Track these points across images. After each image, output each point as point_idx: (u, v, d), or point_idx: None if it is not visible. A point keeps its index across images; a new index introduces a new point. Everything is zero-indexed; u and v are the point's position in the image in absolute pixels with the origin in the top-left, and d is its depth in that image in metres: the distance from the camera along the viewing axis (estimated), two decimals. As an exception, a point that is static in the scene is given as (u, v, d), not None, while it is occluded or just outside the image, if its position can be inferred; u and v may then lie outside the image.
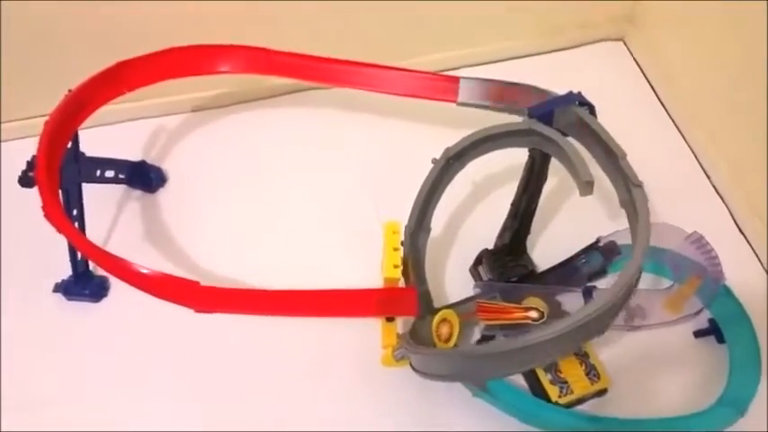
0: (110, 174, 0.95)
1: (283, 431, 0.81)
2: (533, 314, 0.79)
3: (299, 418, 0.82)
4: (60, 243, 0.81)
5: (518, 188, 0.84)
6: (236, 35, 0.92)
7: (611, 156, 0.69)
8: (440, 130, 1.06)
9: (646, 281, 0.92)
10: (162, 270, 0.71)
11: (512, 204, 0.86)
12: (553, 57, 1.23)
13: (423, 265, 0.84)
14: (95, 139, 0.91)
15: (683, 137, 1.11)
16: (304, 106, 1.13)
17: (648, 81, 1.19)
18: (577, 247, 0.93)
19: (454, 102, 0.88)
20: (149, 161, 1.03)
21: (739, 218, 1.00)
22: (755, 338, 0.84)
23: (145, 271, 0.71)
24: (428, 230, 0.84)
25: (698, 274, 0.86)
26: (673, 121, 1.13)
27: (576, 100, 0.74)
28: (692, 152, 1.09)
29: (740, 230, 0.99)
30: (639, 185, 0.66)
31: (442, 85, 0.88)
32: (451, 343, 0.80)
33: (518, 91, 0.83)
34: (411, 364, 0.75)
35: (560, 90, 0.79)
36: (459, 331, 0.80)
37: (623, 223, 0.88)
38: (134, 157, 1.03)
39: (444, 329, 0.80)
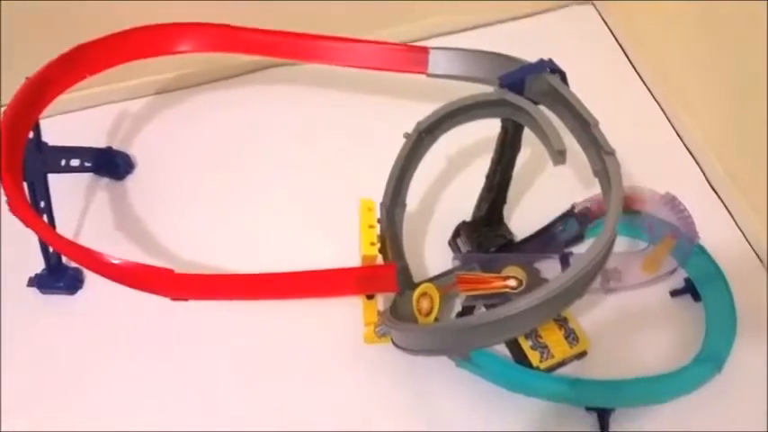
0: (75, 163, 0.93)
1: (267, 414, 0.81)
2: (512, 282, 0.80)
3: (283, 401, 0.82)
4: (32, 236, 0.79)
5: (492, 159, 0.83)
6: (196, 13, 0.90)
7: (583, 124, 0.68)
8: (411, 103, 1.05)
9: (621, 243, 0.93)
10: (135, 260, 0.70)
11: (486, 176, 0.86)
12: (522, 23, 1.22)
13: (400, 240, 0.84)
14: (58, 128, 0.89)
15: (656, 100, 1.11)
16: (270, 84, 1.11)
17: (620, 44, 1.19)
18: (553, 215, 0.93)
19: (425, 73, 0.86)
20: (115, 147, 1.01)
21: (713, 179, 1.01)
22: (730, 296, 0.85)
23: (116, 261, 0.70)
24: (404, 205, 0.84)
25: (672, 234, 0.86)
26: (645, 84, 1.13)
27: (548, 67, 0.73)
28: (665, 114, 1.09)
29: (714, 191, 1.00)
30: (611, 153, 0.66)
31: (411, 57, 0.86)
32: (432, 317, 0.79)
33: (488, 60, 0.82)
34: (393, 341, 0.75)
35: (530, 57, 0.78)
36: (439, 304, 0.80)
37: (597, 189, 0.90)
38: (99, 144, 1.01)
39: (425, 303, 0.80)
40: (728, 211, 0.98)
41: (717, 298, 0.87)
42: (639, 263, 0.87)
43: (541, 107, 0.72)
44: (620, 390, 0.80)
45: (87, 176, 0.99)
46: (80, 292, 0.90)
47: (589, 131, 0.67)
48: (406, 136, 0.80)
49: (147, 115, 1.07)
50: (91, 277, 0.90)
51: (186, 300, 0.71)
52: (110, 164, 0.98)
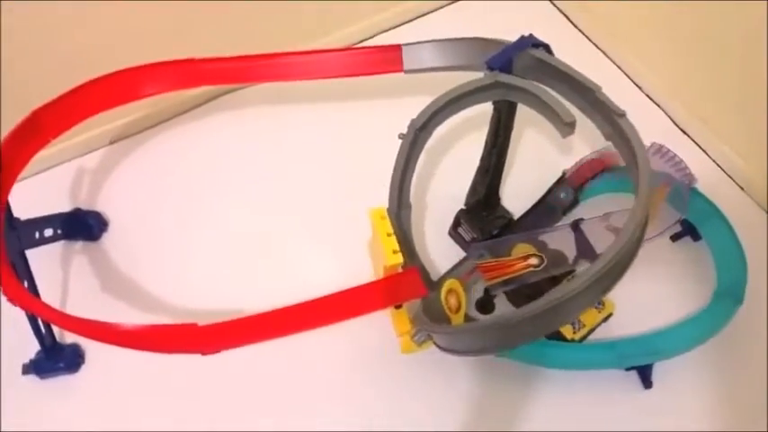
0: (48, 233, 0.86)
1: None
2: (534, 261, 0.79)
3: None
4: (16, 320, 0.73)
5: (486, 143, 0.83)
6: (131, 57, 0.83)
7: (584, 91, 0.68)
8: (385, 102, 1.04)
9: (616, 201, 0.94)
10: (136, 320, 0.65)
11: (481, 159, 0.85)
12: (455, 7, 1.22)
13: (412, 242, 0.82)
14: (17, 198, 0.80)
15: (611, 59, 1.13)
16: (230, 110, 1.07)
17: (563, 12, 1.21)
18: (543, 185, 0.94)
19: (400, 71, 0.84)
20: (83, 207, 0.94)
21: (681, 122, 1.04)
22: (731, 229, 0.88)
23: (135, 328, 0.65)
24: (408, 207, 0.82)
25: (665, 183, 0.88)
26: (596, 45, 1.15)
27: (531, 42, 0.73)
28: (622, 71, 1.11)
29: (684, 133, 1.03)
30: (623, 114, 0.66)
31: (383, 57, 0.84)
32: (462, 312, 0.78)
33: (465, 46, 0.81)
34: (438, 345, 0.73)
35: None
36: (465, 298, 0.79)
37: (579, 153, 0.90)
38: (63, 207, 0.93)
39: (452, 300, 0.79)
40: (702, 149, 1.02)
41: (718, 233, 0.89)
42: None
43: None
44: (656, 343, 0.81)
45: (59, 243, 0.92)
46: (82, 368, 0.83)
47: (593, 97, 0.67)
48: (402, 137, 0.78)
49: (108, 167, 1.01)
50: (91, 350, 0.84)
51: (219, 351, 0.67)
52: (82, 226, 0.91)
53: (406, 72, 0.84)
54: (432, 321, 0.75)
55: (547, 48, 0.74)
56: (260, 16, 1.02)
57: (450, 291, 0.78)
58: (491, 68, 0.73)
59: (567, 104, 0.70)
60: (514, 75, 0.73)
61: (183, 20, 0.96)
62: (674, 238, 0.93)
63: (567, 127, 0.66)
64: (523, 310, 0.61)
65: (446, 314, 0.78)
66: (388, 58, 0.84)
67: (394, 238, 0.74)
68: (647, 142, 0.88)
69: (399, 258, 0.72)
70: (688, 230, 0.92)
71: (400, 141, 0.79)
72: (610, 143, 0.71)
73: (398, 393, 0.81)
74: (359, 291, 0.73)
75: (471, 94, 0.73)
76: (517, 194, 0.96)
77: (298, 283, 0.86)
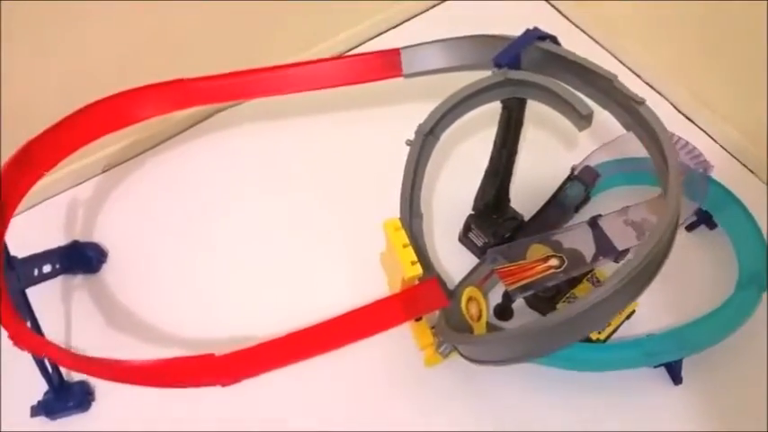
0: (47, 269, 0.83)
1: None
2: (554, 262, 0.77)
3: None
4: (19, 361, 0.69)
5: (495, 144, 0.80)
6: (112, 80, 0.80)
7: (599, 81, 0.66)
8: (382, 110, 1.01)
9: (628, 194, 0.92)
10: (146, 354, 0.62)
11: (490, 161, 0.83)
12: (443, 7, 1.20)
13: (426, 251, 0.79)
14: (10, 234, 0.77)
15: (607, 50, 1.12)
16: (224, 129, 1.04)
17: (554, 6, 1.19)
18: (551, 183, 0.92)
19: (400, 76, 0.82)
20: (80, 240, 0.90)
21: (686, 110, 1.02)
22: (750, 215, 0.86)
23: (150, 364, 0.62)
24: (420, 215, 0.79)
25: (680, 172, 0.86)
26: (590, 36, 1.14)
27: (537, 35, 0.71)
28: (619, 61, 1.10)
29: (690, 120, 1.02)
30: (642, 102, 0.64)
31: (381, 63, 0.81)
32: (483, 320, 0.76)
33: (465, 45, 0.79)
34: (464, 356, 0.70)
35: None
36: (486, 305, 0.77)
37: (584, 149, 0.88)
38: (59, 240, 0.90)
39: (473, 308, 0.76)
40: (710, 136, 1.00)
41: (736, 221, 0.87)
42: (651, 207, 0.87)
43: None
44: (684, 338, 0.79)
45: (58, 278, 0.88)
46: (93, 406, 0.79)
47: (609, 87, 0.65)
48: (409, 143, 0.75)
49: (102, 196, 0.97)
50: (101, 386, 0.80)
51: (240, 381, 0.64)
52: (81, 259, 0.88)
53: (406, 77, 0.81)
54: (449, 330, 0.73)
55: (554, 40, 0.71)
56: (242, 32, 1.00)
57: (470, 299, 0.76)
58: (498, 66, 0.70)
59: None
60: (523, 70, 0.71)
61: (166, 37, 0.93)
62: (690, 228, 0.91)
63: (583, 120, 0.64)
64: (559, 314, 0.58)
65: (467, 323, 0.75)
66: (387, 63, 0.81)
67: (410, 249, 0.71)
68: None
69: (418, 269, 0.70)
70: (703, 219, 0.90)
71: (407, 148, 0.77)
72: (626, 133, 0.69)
73: (426, 403, 0.79)
74: (379, 306, 0.71)
75: (480, 93, 0.71)
76: (524, 195, 0.93)
77: (309, 301, 0.84)
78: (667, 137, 0.61)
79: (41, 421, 0.78)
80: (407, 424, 0.77)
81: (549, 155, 0.98)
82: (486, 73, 0.72)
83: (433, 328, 0.77)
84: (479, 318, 0.76)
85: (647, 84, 1.06)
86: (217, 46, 0.97)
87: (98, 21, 0.85)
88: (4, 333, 0.62)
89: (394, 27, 1.17)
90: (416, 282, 0.73)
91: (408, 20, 1.18)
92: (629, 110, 0.65)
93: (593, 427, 0.77)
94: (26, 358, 0.72)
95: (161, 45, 0.92)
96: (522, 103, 0.73)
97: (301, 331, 0.67)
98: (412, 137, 0.76)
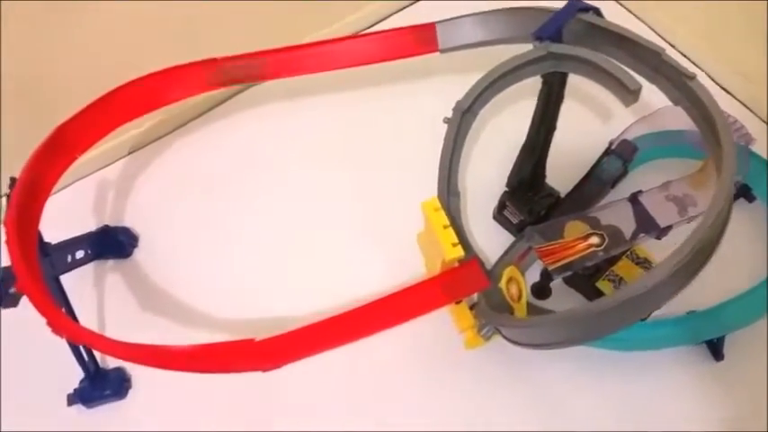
0: (80, 254, 0.82)
1: None
2: (595, 240, 0.75)
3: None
4: (53, 348, 0.68)
5: (533, 120, 0.78)
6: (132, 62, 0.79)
7: (646, 54, 0.64)
8: (411, 87, 0.99)
9: (666, 168, 0.90)
10: (184, 339, 0.61)
11: (528, 138, 0.81)
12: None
13: (464, 231, 0.78)
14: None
15: (637, 16, 1.08)
16: (249, 108, 1.02)
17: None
18: (587, 158, 0.89)
19: (436, 51, 0.79)
20: (111, 224, 0.89)
21: (720, 79, 0.99)
22: (792, 187, 0.83)
23: (189, 349, 0.61)
24: (457, 194, 0.78)
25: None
26: (621, 4, 1.10)
27: (579, 7, 0.68)
28: (650, 28, 1.06)
29: (726, 90, 0.99)
30: (693, 76, 0.61)
31: (416, 38, 0.79)
32: (524, 300, 0.74)
33: (503, 18, 0.76)
34: (507, 338, 0.69)
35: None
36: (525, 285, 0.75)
37: (621, 122, 0.86)
38: (89, 225, 0.89)
39: (513, 289, 0.74)
40: (747, 107, 0.97)
41: (778, 192, 0.85)
42: (697, 181, 0.84)
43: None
44: (729, 314, 0.78)
45: (90, 264, 0.87)
46: (130, 394, 0.79)
47: (657, 60, 0.63)
48: (447, 121, 0.73)
49: (130, 178, 0.96)
50: (137, 373, 0.80)
51: (281, 366, 0.63)
52: (113, 243, 0.87)
53: (442, 51, 0.79)
54: (492, 312, 0.71)
55: (597, 12, 0.69)
56: (256, 15, 0.97)
57: (510, 279, 0.74)
58: (539, 39, 0.68)
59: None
60: (565, 44, 0.68)
61: (185, 21, 0.91)
62: (729, 201, 0.89)
63: (631, 95, 0.62)
64: (609, 299, 0.57)
65: (508, 304, 0.74)
66: (422, 38, 0.79)
67: (451, 229, 0.70)
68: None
69: (460, 251, 0.68)
70: (742, 192, 0.88)
71: (441, 124, 0.75)
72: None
73: (467, 388, 0.78)
74: (419, 288, 0.70)
75: (521, 68, 0.69)
76: (560, 170, 0.91)
77: (344, 284, 0.83)
78: (720, 113, 0.59)
79: (78, 410, 0.77)
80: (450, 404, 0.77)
81: (585, 128, 0.95)
82: (523, 47, 0.70)
83: (472, 309, 0.76)
84: (519, 298, 0.75)
85: (684, 55, 1.03)
86: (235, 27, 0.95)
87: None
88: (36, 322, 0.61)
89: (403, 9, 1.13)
90: (456, 263, 0.71)
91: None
92: (679, 85, 0.62)
93: (640, 406, 0.76)
94: (55, 348, 0.72)
95: (172, 28, 0.90)
96: (563, 78, 0.71)
97: (342, 315, 0.66)
98: (445, 113, 0.74)
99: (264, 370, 0.63)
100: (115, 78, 0.73)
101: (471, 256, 0.73)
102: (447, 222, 0.70)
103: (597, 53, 0.64)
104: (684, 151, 0.88)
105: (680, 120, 0.85)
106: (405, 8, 1.12)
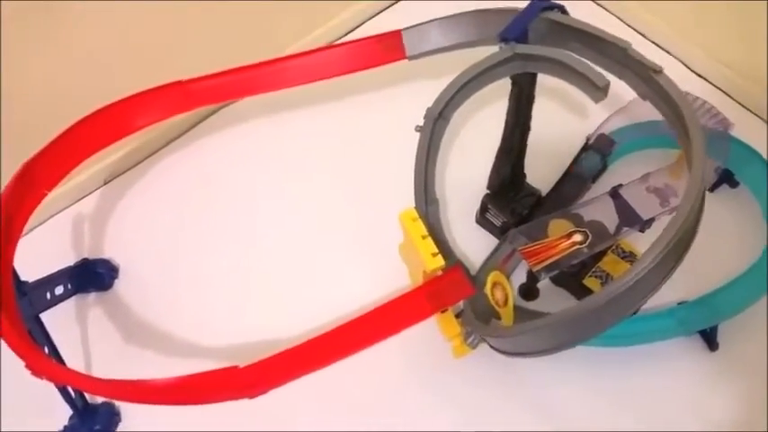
0: (59, 290, 0.81)
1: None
2: (578, 237, 0.74)
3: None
4: (36, 387, 0.65)
5: (507, 121, 0.77)
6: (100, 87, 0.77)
7: (612, 50, 0.63)
8: (383, 95, 0.98)
9: (645, 159, 0.89)
10: (173, 370, 0.59)
11: (503, 140, 0.80)
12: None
13: (445, 239, 0.77)
14: (16, 258, 0.74)
15: (608, 11, 1.08)
16: (224, 128, 1.01)
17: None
18: (565, 155, 0.89)
19: (404, 58, 0.79)
20: (90, 257, 0.88)
21: (697, 68, 0.99)
22: (774, 169, 0.83)
23: (173, 381, 0.59)
24: (436, 202, 0.77)
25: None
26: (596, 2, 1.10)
27: (543, 6, 0.68)
28: (623, 22, 1.06)
29: (703, 78, 0.99)
30: (660, 70, 0.61)
31: (383, 46, 0.78)
32: (510, 305, 0.74)
33: (468, 21, 0.76)
34: (495, 348, 0.68)
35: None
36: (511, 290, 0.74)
37: (596, 116, 0.86)
38: (68, 260, 0.87)
39: (498, 294, 0.74)
40: (726, 93, 0.97)
41: (759, 176, 0.84)
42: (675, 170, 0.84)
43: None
44: (717, 303, 0.77)
45: (71, 299, 0.85)
46: (120, 427, 0.78)
47: (623, 56, 0.62)
48: (419, 129, 0.72)
49: (107, 209, 0.94)
50: (126, 405, 0.78)
51: (267, 391, 0.62)
52: (92, 276, 0.86)
53: (410, 58, 0.78)
54: (478, 318, 0.70)
55: (561, 9, 0.68)
56: (229, 30, 0.96)
57: (495, 284, 0.73)
58: (505, 41, 0.67)
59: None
60: (531, 44, 0.68)
61: (148, 38, 0.90)
62: (711, 188, 0.88)
63: (600, 91, 0.61)
64: (599, 296, 0.56)
65: (494, 309, 0.73)
66: (389, 47, 0.78)
67: (430, 239, 0.69)
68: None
69: (440, 261, 0.67)
70: (724, 178, 0.88)
71: (415, 131, 0.74)
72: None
73: (460, 390, 0.78)
74: (403, 300, 0.69)
75: (489, 71, 0.68)
76: (539, 169, 0.90)
77: (328, 298, 0.82)
78: (688, 106, 0.59)
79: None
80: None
81: (560, 125, 0.95)
82: (492, 49, 0.70)
83: (458, 317, 0.75)
84: (506, 303, 0.74)
85: (657, 44, 1.03)
86: (204, 45, 0.93)
87: (82, 24, 0.82)
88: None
89: (386, 9, 1.12)
90: (440, 272, 0.70)
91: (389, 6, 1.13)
92: (646, 79, 0.62)
93: (635, 403, 0.75)
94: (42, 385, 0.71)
95: (144, 47, 0.89)
96: (533, 78, 0.70)
97: (326, 334, 0.65)
98: (419, 119, 0.73)
99: (251, 397, 0.62)
100: (75, 107, 0.72)
101: (454, 264, 0.72)
102: (425, 232, 0.69)
103: (564, 51, 0.64)
104: (662, 142, 0.87)
105: (655, 109, 0.86)
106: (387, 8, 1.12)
